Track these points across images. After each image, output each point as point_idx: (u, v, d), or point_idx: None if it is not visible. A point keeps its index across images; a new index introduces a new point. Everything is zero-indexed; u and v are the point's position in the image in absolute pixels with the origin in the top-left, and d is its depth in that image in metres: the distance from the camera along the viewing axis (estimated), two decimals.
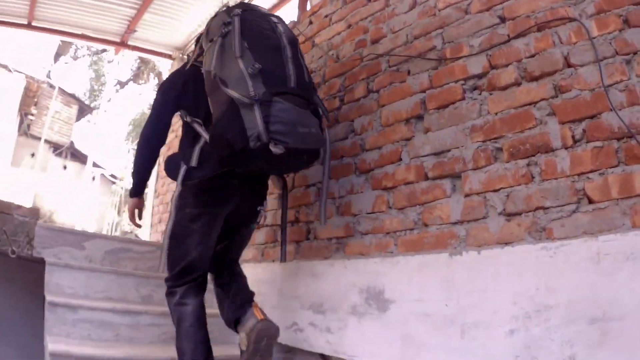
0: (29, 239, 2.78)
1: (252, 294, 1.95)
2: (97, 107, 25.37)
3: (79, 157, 20.27)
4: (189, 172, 1.83)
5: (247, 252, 2.72)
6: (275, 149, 1.60)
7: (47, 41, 14.97)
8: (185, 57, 5.57)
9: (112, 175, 23.69)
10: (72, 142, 22.81)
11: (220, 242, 1.99)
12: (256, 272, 2.46)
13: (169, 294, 1.88)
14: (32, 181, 15.31)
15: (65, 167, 21.42)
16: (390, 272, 1.68)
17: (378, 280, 1.71)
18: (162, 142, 1.94)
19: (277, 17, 1.97)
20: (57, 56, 19.24)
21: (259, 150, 1.62)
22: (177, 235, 1.86)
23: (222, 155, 1.73)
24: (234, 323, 1.88)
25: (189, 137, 1.90)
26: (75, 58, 25.35)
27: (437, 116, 1.64)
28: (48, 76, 19.19)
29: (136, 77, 25.27)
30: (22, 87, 14.22)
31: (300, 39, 2.83)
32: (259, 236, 2.66)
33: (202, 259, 1.87)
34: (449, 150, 1.55)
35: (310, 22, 2.79)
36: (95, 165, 21.43)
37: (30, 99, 15.97)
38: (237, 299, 1.91)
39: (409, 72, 1.84)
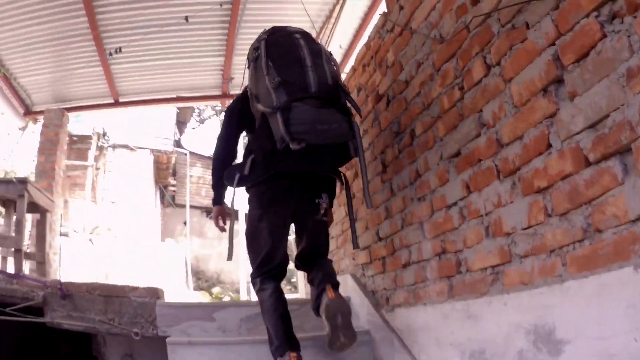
0: (152, 319, 2.99)
1: (329, 277, 2.50)
2: None
3: (235, 216, 21.85)
4: (240, 179, 2.41)
5: (398, 295, 2.68)
6: (294, 146, 2.11)
7: (166, 113, 16.67)
8: None
9: None
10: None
11: (299, 243, 2.66)
12: (409, 317, 2.53)
13: (253, 284, 2.57)
14: (187, 248, 16.96)
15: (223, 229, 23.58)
16: (560, 303, 1.37)
17: (547, 316, 1.43)
18: (231, 158, 2.64)
19: (302, 32, 2.50)
20: (181, 124, 21.44)
21: (287, 151, 2.15)
22: (251, 234, 2.58)
23: (259, 159, 2.38)
24: (316, 310, 2.48)
25: (247, 151, 2.51)
26: (201, 121, 28.33)
27: (579, 72, 1.31)
28: (179, 145, 21.46)
29: None
30: (151, 161, 16.05)
31: (396, 30, 2.71)
32: (407, 276, 2.56)
33: (274, 252, 2.50)
34: (607, 116, 1.22)
35: (401, 7, 2.65)
36: None
37: (165, 171, 17.94)
38: (318, 287, 2.49)
39: (527, 25, 1.55)
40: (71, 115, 15.17)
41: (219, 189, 2.59)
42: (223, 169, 2.53)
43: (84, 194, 14.06)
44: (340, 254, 3.90)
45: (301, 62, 2.29)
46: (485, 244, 1.83)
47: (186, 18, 5.03)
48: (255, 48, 2.43)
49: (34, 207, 5.00)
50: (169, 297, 3.44)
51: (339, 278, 2.64)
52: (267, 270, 2.52)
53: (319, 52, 2.39)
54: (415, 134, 2.45)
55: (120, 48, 5.40)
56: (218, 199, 2.63)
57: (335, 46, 5.75)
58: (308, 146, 2.14)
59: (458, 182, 2.03)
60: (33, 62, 5.79)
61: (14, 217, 4.68)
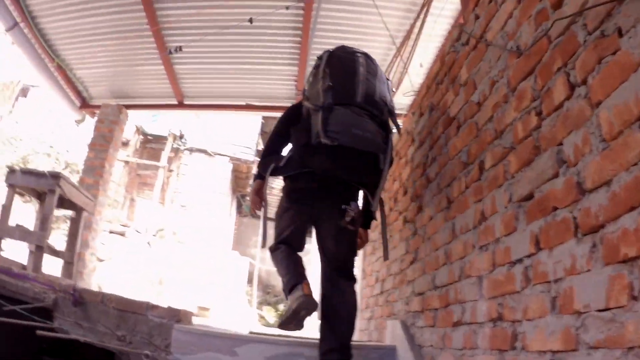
0: (166, 343, 2.80)
1: (341, 344, 2.64)
2: None
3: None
4: (275, 170, 2.74)
5: (444, 358, 2.42)
6: (326, 140, 2.38)
7: (251, 122, 16.85)
8: None
9: None
10: None
11: (321, 255, 2.86)
12: None
13: (271, 250, 2.92)
14: (258, 261, 17.05)
15: None
16: None
17: None
18: (282, 144, 2.92)
19: (364, 53, 2.83)
20: (266, 135, 21.65)
21: (319, 147, 2.42)
22: (278, 216, 2.90)
23: (294, 155, 2.70)
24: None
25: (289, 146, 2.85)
26: None
27: None
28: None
29: None
30: (230, 169, 16.22)
31: (471, 43, 2.43)
32: (456, 338, 2.25)
33: (293, 238, 2.84)
34: None
35: (477, 17, 2.39)
36: None
37: (244, 181, 18.12)
38: (328, 339, 2.67)
39: (619, 32, 1.22)
40: (147, 114, 15.94)
41: (264, 165, 2.82)
42: (271, 153, 2.87)
43: (153, 194, 14.42)
44: (395, 295, 3.60)
45: (355, 74, 2.64)
46: (549, 321, 1.46)
47: (250, 20, 4.93)
48: (319, 57, 2.84)
49: (70, 204, 5.02)
50: (222, 311, 3.32)
51: (389, 322, 2.76)
52: (284, 241, 2.85)
53: (374, 71, 2.74)
54: (485, 167, 2.11)
55: (180, 47, 5.39)
56: (261, 173, 2.84)
57: (416, 65, 5.43)
58: (340, 149, 2.41)
59: (527, 234, 1.67)
60: (89, 54, 5.93)
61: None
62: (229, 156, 16.20)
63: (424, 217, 2.99)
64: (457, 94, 2.62)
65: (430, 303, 2.70)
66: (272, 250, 2.89)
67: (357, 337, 4.16)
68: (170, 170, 15.42)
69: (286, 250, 2.81)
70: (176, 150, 15.52)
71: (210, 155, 16.07)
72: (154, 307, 3.04)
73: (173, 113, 7.57)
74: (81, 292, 3.15)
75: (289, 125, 2.79)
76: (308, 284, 2.59)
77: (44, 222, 4.56)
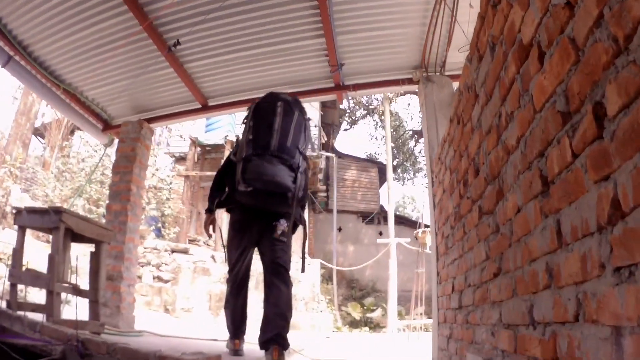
0: None
1: (277, 334, 3.32)
2: (402, 162, 26.68)
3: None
4: (218, 203, 3.73)
5: None
6: (243, 188, 3.35)
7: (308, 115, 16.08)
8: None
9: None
10: (381, 207, 24.34)
11: (263, 260, 3.63)
12: None
13: (226, 282, 3.81)
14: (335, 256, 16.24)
15: (380, 233, 22.83)
16: None
17: None
18: (220, 189, 3.77)
19: (285, 101, 3.63)
20: (329, 127, 20.76)
21: (243, 191, 3.36)
22: (229, 245, 3.71)
23: (229, 193, 3.64)
24: (261, 346, 3.41)
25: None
26: (353, 122, 27.59)
27: None
28: (328, 148, 20.87)
29: None
30: None
31: None
32: None
33: (238, 264, 3.63)
34: None
35: None
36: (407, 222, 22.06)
37: (311, 177, 17.38)
38: (267, 331, 3.37)
39: None
40: (201, 125, 15.39)
41: (210, 201, 3.76)
42: (214, 194, 3.77)
43: None
44: (477, 315, 2.58)
45: (271, 125, 3.47)
46: None
47: None
48: (247, 108, 3.71)
49: (83, 238, 4.47)
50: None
51: (470, 356, 2.43)
52: (234, 277, 3.63)
53: (290, 119, 3.53)
54: (607, 113, 1.07)
55: (178, 40, 4.65)
56: (210, 207, 3.79)
57: (465, 6, 4.27)
58: (256, 189, 3.34)
59: None
60: (90, 71, 5.30)
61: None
62: None
63: (508, 207, 1.95)
64: (527, 6, 1.58)
65: (528, 347, 1.66)
66: (225, 303, 3.81)
67: (436, 356, 4.12)
68: None
69: (231, 305, 3.69)
70: None
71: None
72: (163, 358, 2.85)
73: (199, 118, 6.57)
74: (85, 343, 3.05)
75: (223, 176, 3.74)
76: (240, 342, 3.70)
77: (51, 262, 4.01)
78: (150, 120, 6.12)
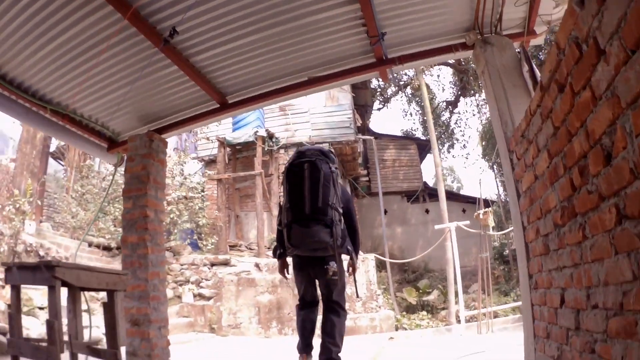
0: None
1: (328, 357, 4.03)
2: (440, 135, 25.54)
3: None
4: (280, 254, 4.25)
5: None
6: (291, 251, 4.01)
7: (340, 99, 15.23)
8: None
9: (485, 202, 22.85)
10: (424, 183, 23.32)
11: (321, 291, 4.25)
12: None
13: (296, 307, 4.35)
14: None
15: (427, 211, 21.89)
16: None
17: None
18: (281, 239, 4.13)
19: (309, 161, 3.96)
20: (362, 108, 19.74)
21: (291, 251, 4.03)
22: (295, 280, 4.30)
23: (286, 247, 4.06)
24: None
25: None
26: (386, 100, 26.46)
27: None
28: (364, 131, 19.93)
29: (464, 90, 24.43)
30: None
31: None
32: None
33: (305, 292, 4.21)
34: None
35: None
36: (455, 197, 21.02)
37: (352, 162, 16.56)
38: (322, 353, 4.05)
39: None
40: (228, 122, 14.55)
41: (274, 253, 4.37)
42: (278, 243, 4.25)
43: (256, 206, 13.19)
44: (614, 351, 1.92)
45: (302, 191, 3.90)
46: None
47: None
48: (282, 172, 4.39)
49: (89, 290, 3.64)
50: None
51: None
52: (301, 300, 4.26)
53: (317, 181, 3.90)
54: None
55: (174, 29, 3.69)
56: (276, 257, 4.37)
57: None
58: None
59: None
60: (79, 84, 4.40)
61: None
62: (328, 142, 14.53)
63: None
64: None
65: None
66: (296, 312, 4.36)
67: None
68: (270, 175, 13.99)
69: (301, 317, 4.23)
70: (270, 152, 14.04)
71: (307, 143, 14.54)
72: None
73: (220, 119, 5.56)
74: None
75: (280, 241, 4.16)
76: (306, 356, 4.14)
77: (51, 330, 3.19)
78: (161, 131, 5.21)
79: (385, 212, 21.39)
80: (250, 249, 12.95)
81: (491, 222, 7.65)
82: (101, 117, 5.05)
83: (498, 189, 24.95)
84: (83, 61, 4.09)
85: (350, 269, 4.36)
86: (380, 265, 17.87)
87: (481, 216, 7.65)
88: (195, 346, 7.76)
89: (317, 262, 4.07)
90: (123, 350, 4.29)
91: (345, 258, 4.24)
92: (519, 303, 9.86)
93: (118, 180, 10.90)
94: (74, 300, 3.87)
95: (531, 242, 3.19)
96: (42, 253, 8.31)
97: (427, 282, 18.03)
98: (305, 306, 4.25)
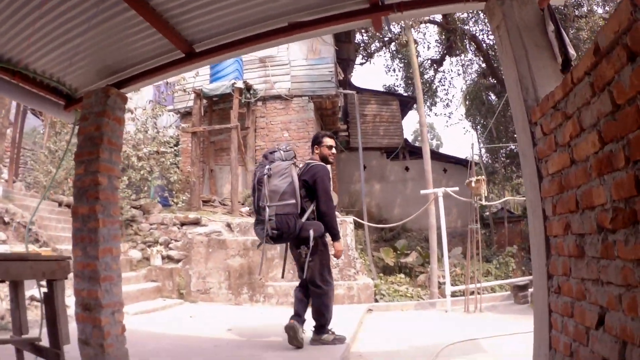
0: None
1: (314, 325, 5.13)
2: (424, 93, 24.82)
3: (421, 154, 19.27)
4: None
5: None
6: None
7: (321, 53, 14.41)
8: None
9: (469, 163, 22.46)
10: (405, 140, 22.72)
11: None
12: None
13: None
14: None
15: (407, 169, 21.41)
16: None
17: None
18: None
19: (270, 161, 5.09)
20: (345, 62, 18.84)
21: None
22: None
23: None
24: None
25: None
26: (369, 56, 25.48)
27: None
28: (346, 85, 19.16)
29: (450, 49, 23.65)
30: (312, 109, 13.89)
31: None
32: None
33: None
34: None
35: None
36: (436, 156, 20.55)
37: (332, 117, 15.84)
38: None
39: None
40: (205, 74, 13.66)
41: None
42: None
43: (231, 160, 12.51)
44: None
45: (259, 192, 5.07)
46: None
47: None
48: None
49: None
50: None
51: None
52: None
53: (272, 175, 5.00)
54: None
55: None
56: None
57: None
58: None
59: None
60: (28, 36, 3.66)
61: None
62: (308, 95, 13.80)
63: None
64: None
65: None
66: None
67: None
68: (247, 128, 13.25)
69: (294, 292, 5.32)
70: (248, 105, 13.26)
71: (286, 99, 13.77)
72: None
73: (187, 70, 4.75)
74: None
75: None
76: (292, 320, 5.01)
77: None
78: (120, 85, 4.47)
79: (364, 167, 20.88)
80: (224, 205, 12.32)
81: (484, 192, 7.06)
82: (56, 72, 4.29)
83: (480, 150, 24.60)
84: (30, 9, 3.33)
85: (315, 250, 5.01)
86: (357, 223, 17.38)
87: (473, 184, 7.04)
88: (163, 316, 7.21)
89: (292, 247, 5.18)
90: (75, 338, 3.72)
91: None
92: (509, 281, 9.45)
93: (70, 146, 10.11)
94: (15, 290, 3.27)
95: (556, 237, 2.61)
96: (7, 219, 7.60)
97: (405, 243, 17.63)
98: (299, 284, 5.24)
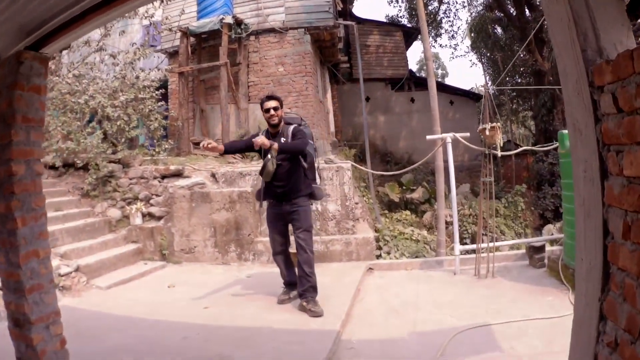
0: None
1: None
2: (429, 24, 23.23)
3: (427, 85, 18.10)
4: None
5: None
6: None
7: None
8: None
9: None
10: (410, 71, 21.42)
11: None
12: None
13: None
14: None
15: (412, 100, 20.27)
16: None
17: None
18: None
19: None
20: None
21: None
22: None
23: None
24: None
25: None
26: None
27: None
28: (348, 16, 17.62)
29: None
30: (309, 42, 12.58)
31: None
32: None
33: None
34: None
35: None
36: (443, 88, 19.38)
37: (331, 49, 14.62)
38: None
39: None
40: (192, 11, 12.28)
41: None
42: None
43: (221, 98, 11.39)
44: None
45: None
46: None
47: None
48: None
49: None
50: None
51: None
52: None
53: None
54: None
55: None
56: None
57: None
58: None
59: None
60: None
61: None
62: (304, 27, 12.55)
63: None
64: None
65: None
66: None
67: None
68: (238, 64, 12.03)
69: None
70: (239, 40, 12.00)
71: (281, 32, 12.43)
72: None
73: (125, 12, 3.53)
74: None
75: None
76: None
77: None
78: (40, 45, 3.31)
79: (368, 99, 19.70)
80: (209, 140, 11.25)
81: (499, 141, 5.89)
82: None
83: (486, 81, 23.27)
84: None
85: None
86: (362, 156, 16.40)
87: (487, 132, 5.84)
88: (140, 286, 6.32)
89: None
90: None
91: None
92: (524, 240, 8.42)
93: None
94: None
95: (622, 271, 1.56)
96: None
97: (411, 178, 16.68)
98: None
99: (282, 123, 5.18)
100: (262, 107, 5.16)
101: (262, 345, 4.09)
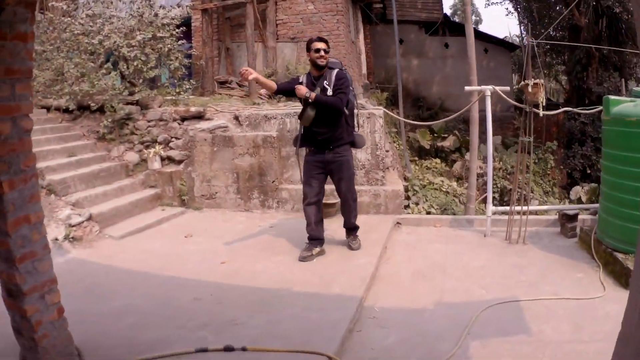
0: None
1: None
2: None
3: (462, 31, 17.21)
4: None
5: None
6: None
7: None
8: None
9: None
10: (445, 15, 20.49)
11: None
12: None
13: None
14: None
15: (446, 45, 19.47)
16: None
17: None
18: None
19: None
20: None
21: None
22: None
23: None
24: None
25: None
26: None
27: None
28: None
29: None
30: None
31: None
32: None
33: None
34: None
35: None
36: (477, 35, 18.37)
37: None
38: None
39: None
40: None
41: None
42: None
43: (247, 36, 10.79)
44: None
45: None
46: None
47: None
48: None
49: None
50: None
51: None
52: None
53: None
54: None
55: None
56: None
57: None
58: None
59: None
60: None
61: None
62: None
63: None
64: None
65: None
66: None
67: None
68: (266, 1, 11.41)
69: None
70: None
71: None
72: None
73: None
74: None
75: None
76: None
77: None
78: None
79: (401, 41, 18.83)
80: (242, 85, 10.77)
81: (542, 99, 5.33)
82: None
83: (521, 32, 22.07)
84: None
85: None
86: (393, 100, 15.83)
87: (530, 89, 5.28)
88: (156, 235, 6.03)
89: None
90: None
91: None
92: (558, 207, 7.80)
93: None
94: None
95: None
96: None
97: (442, 125, 16.07)
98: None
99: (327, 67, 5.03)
100: (308, 48, 5.02)
101: (279, 310, 3.75)
